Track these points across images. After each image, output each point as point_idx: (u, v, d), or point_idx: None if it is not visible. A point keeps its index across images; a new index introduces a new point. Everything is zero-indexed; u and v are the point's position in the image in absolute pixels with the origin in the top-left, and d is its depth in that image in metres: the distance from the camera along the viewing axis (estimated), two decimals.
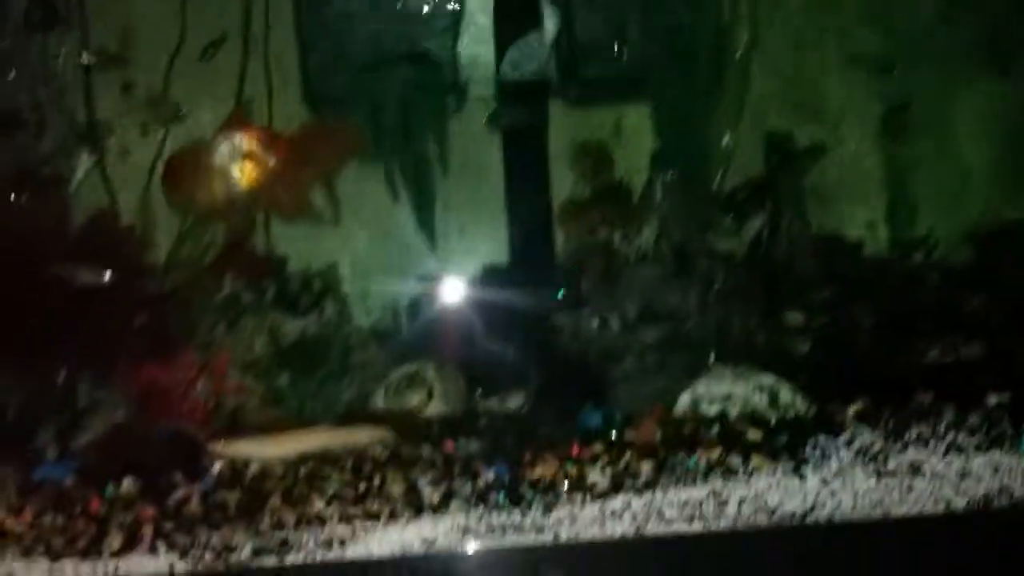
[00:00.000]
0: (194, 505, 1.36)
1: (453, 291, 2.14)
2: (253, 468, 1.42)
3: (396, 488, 1.37)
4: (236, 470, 1.43)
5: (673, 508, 1.37)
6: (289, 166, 1.76)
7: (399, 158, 2.22)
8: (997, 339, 1.60)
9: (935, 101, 2.19)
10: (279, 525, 1.33)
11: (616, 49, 2.07)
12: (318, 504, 1.36)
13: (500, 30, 2.22)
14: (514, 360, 1.81)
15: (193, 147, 1.91)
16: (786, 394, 1.47)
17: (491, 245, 2.29)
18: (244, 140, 1.76)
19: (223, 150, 1.76)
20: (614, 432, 1.44)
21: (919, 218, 2.10)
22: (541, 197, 2.22)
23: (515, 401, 1.66)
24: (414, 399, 1.83)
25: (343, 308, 2.12)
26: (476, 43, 2.29)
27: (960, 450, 1.40)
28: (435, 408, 1.83)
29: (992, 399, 1.43)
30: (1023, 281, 1.78)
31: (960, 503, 1.39)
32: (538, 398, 1.60)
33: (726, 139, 2.21)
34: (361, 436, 1.45)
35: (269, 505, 1.36)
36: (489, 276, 2.15)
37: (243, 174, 1.75)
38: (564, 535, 1.35)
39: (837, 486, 1.39)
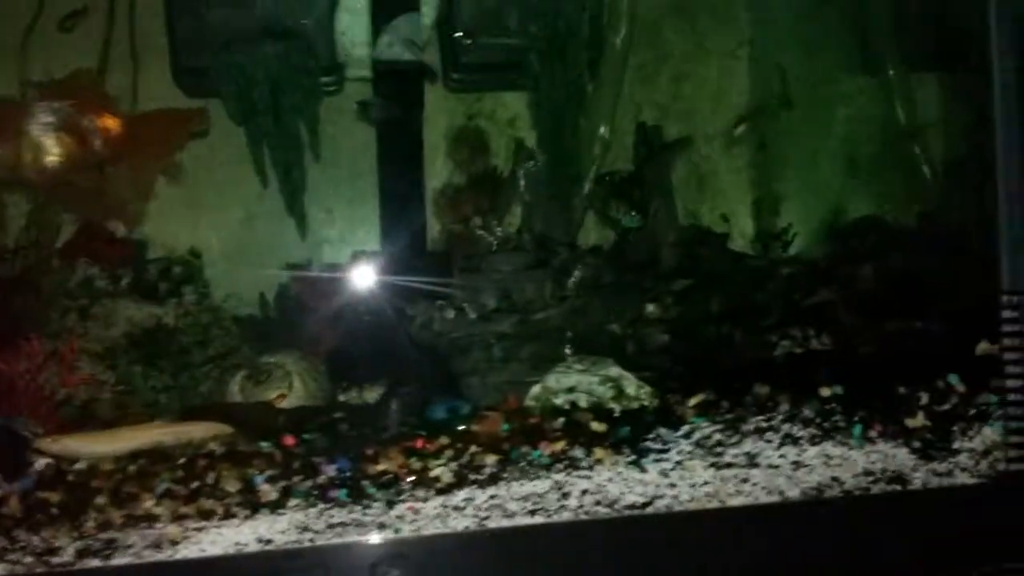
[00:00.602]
0: (13, 506, 1.30)
1: (321, 279, 2.10)
2: (80, 466, 1.36)
3: (231, 485, 1.33)
4: (61, 468, 1.36)
5: (516, 501, 1.38)
6: (122, 147, 1.67)
7: (269, 141, 2.15)
8: (836, 332, 1.65)
9: (802, 98, 2.24)
10: (105, 525, 1.28)
11: (466, 39, 2.04)
12: (148, 503, 1.31)
13: (377, 10, 2.18)
14: (374, 351, 1.79)
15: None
16: (631, 386, 1.48)
17: (363, 232, 2.26)
18: (64, 111, 1.65)
19: (40, 116, 1.65)
20: (460, 425, 1.43)
21: (781, 212, 2.15)
22: (415, 184, 2.20)
23: (374, 394, 1.63)
24: (273, 391, 1.79)
25: (205, 296, 2.05)
26: (354, 22, 2.24)
27: (795, 441, 1.45)
28: (295, 400, 1.80)
29: (825, 391, 1.47)
30: (871, 274, 1.84)
31: (794, 493, 1.44)
32: (387, 390, 1.58)
33: (601, 130, 2.23)
34: (196, 432, 1.40)
35: (95, 504, 1.31)
36: (359, 264, 2.12)
37: (56, 146, 1.65)
38: (406, 530, 1.34)
39: (676, 477, 1.41)
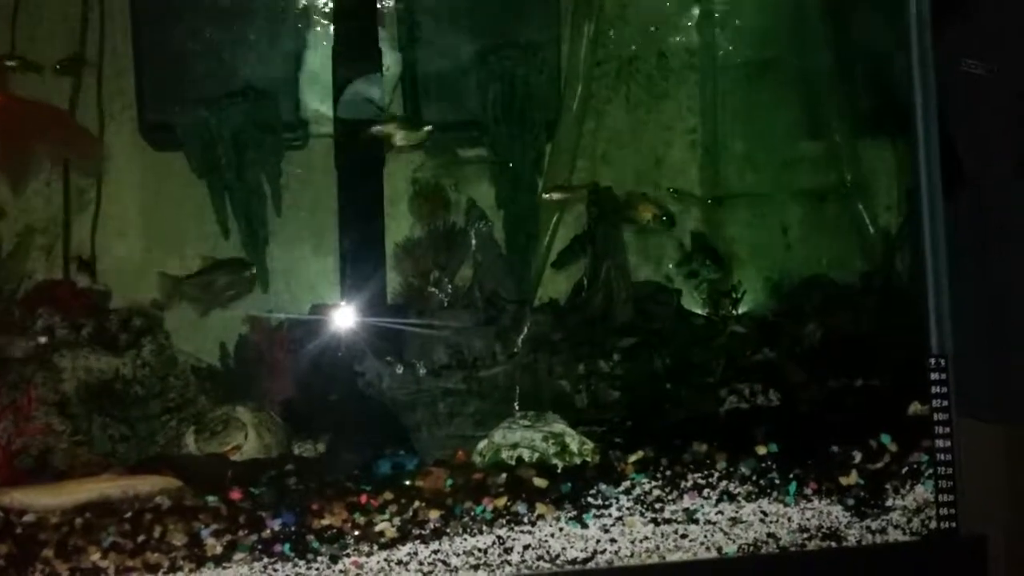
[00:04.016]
0: None
1: (281, 331, 2.13)
2: (28, 518, 1.37)
3: (177, 539, 1.35)
4: (10, 520, 1.37)
5: (459, 556, 1.40)
6: None
7: (232, 194, 2.20)
8: (779, 389, 1.71)
9: (752, 164, 2.33)
10: None
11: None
12: (94, 556, 1.32)
13: (339, 70, 2.24)
14: (327, 405, 1.82)
15: None
16: (574, 442, 1.52)
17: (323, 285, 2.29)
18: None
19: None
20: (405, 480, 1.46)
21: (731, 271, 2.22)
22: (375, 238, 2.24)
23: (324, 447, 1.66)
24: (229, 442, 1.81)
25: (164, 346, 2.07)
26: (317, 81, 2.31)
27: (732, 498, 1.49)
28: (251, 452, 1.81)
29: (762, 449, 1.52)
30: (814, 332, 1.90)
31: (731, 549, 1.48)
32: (335, 445, 1.60)
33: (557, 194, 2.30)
34: (143, 485, 1.42)
35: (42, 557, 1.32)
36: (319, 316, 2.15)
37: None
38: None
39: (616, 533, 1.45)
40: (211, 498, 1.41)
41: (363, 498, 1.41)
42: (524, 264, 2.11)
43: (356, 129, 2.19)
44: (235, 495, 1.42)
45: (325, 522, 1.39)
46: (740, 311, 2.06)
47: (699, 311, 2.10)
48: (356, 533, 1.38)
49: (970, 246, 2.00)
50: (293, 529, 1.39)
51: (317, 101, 2.32)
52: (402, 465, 1.50)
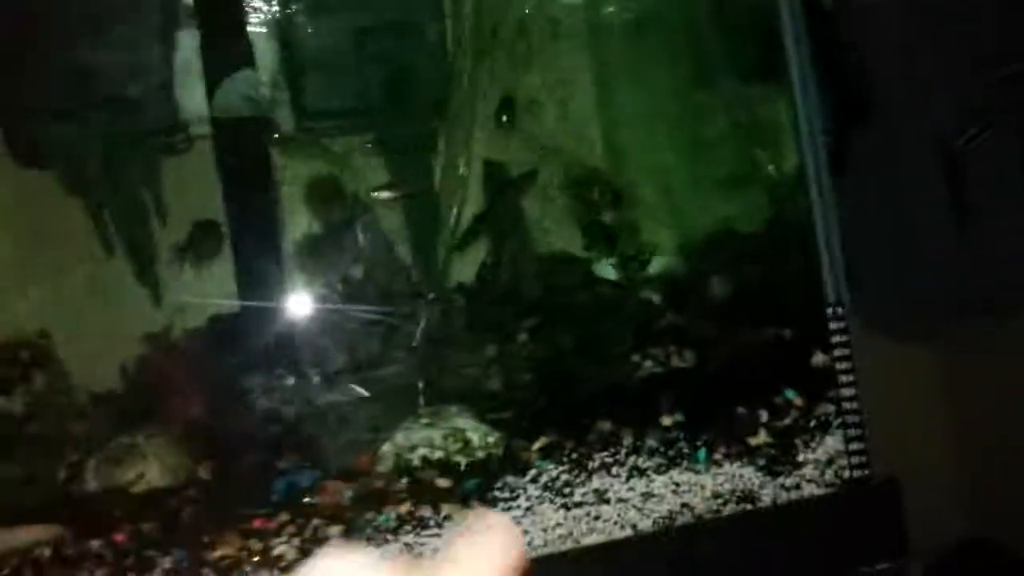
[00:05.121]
0: None
1: (179, 348, 2.04)
2: None
3: None
4: None
5: None
6: None
7: (110, 209, 2.09)
8: (680, 356, 1.68)
9: (650, 118, 2.28)
10: None
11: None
12: None
13: (211, 68, 2.13)
14: (226, 423, 1.74)
15: None
16: (476, 435, 1.47)
17: (221, 295, 2.20)
18: None
19: None
20: (303, 497, 1.40)
21: (637, 234, 2.17)
22: (270, 239, 2.16)
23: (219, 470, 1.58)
24: (129, 474, 1.73)
25: (57, 378, 1.97)
26: (190, 82, 2.19)
27: (642, 473, 1.46)
28: (155, 481, 1.73)
29: (667, 420, 1.49)
30: (717, 290, 1.87)
31: (646, 525, 1.45)
32: (230, 466, 1.54)
33: (461, 169, 2.22)
34: (19, 536, 1.34)
35: None
36: (218, 329, 2.06)
37: None
38: None
39: (528, 523, 1.41)
40: (95, 542, 1.33)
41: (257, 522, 1.35)
42: (426, 252, 2.04)
43: (235, 126, 2.10)
44: (118, 538, 1.34)
45: (219, 553, 1.33)
46: (648, 274, 2.02)
47: (609, 278, 2.05)
48: (255, 560, 1.32)
49: (876, 175, 1.99)
50: (186, 565, 1.32)
51: (194, 101, 2.21)
52: (296, 482, 1.44)
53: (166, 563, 1.31)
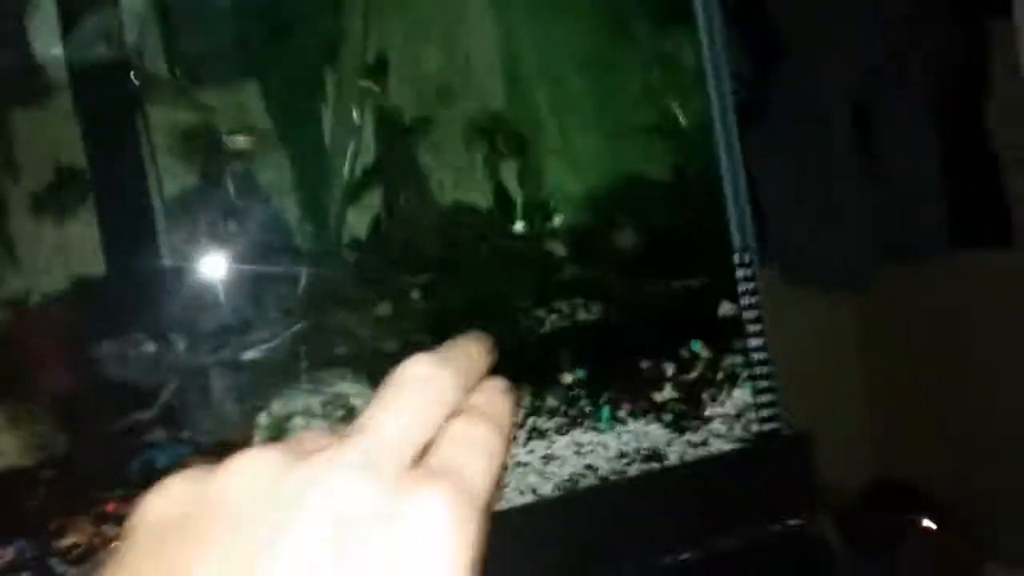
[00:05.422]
0: None
1: (40, 314, 1.85)
2: None
3: None
4: None
5: None
6: None
7: None
8: (585, 309, 1.58)
9: (555, 54, 2.16)
10: None
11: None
12: None
13: (65, 3, 1.92)
14: (90, 392, 1.57)
15: None
16: (362, 401, 1.35)
17: (84, 254, 2.00)
18: None
19: None
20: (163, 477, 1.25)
21: (544, 181, 2.07)
22: (138, 193, 1.97)
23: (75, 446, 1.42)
24: None
25: None
26: (44, 20, 1.97)
27: (542, 434, 1.36)
28: (9, 459, 1.56)
29: (568, 377, 1.39)
30: (624, 239, 1.78)
31: (547, 488, 1.35)
32: (86, 442, 1.38)
33: (354, 116, 2.07)
34: None
35: None
36: (83, 291, 1.87)
37: None
38: None
39: None
40: None
41: (110, 506, 1.20)
42: (316, 205, 1.89)
43: (95, 72, 1.89)
44: None
45: (69, 542, 1.18)
46: (553, 225, 1.92)
47: (513, 229, 1.94)
48: (108, 548, 1.18)
49: (786, 124, 1.93)
50: (31, 555, 1.16)
51: (49, 45, 1.99)
52: (153, 460, 1.29)
53: (9, 554, 1.15)
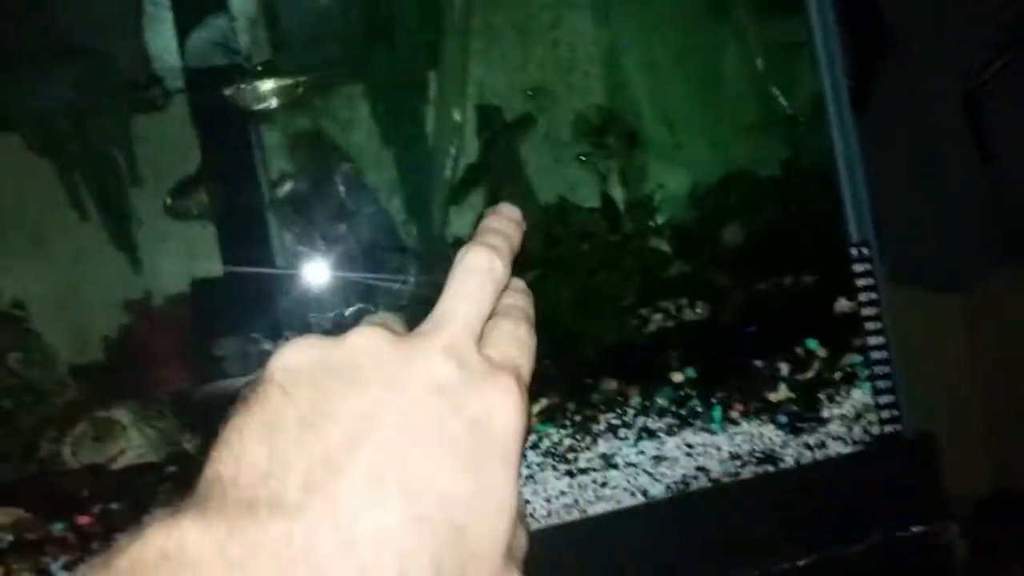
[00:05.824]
0: None
1: (163, 315, 1.93)
2: None
3: None
4: None
5: None
6: None
7: (80, 171, 1.97)
8: (693, 308, 1.54)
9: (654, 56, 2.12)
10: None
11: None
12: None
13: (180, 14, 2.00)
14: (216, 391, 1.63)
15: None
16: None
17: (204, 258, 2.08)
18: None
19: None
20: None
21: (647, 178, 2.03)
22: (254, 198, 2.03)
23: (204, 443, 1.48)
24: (111, 449, 1.63)
25: (33, 352, 1.87)
26: (160, 30, 2.06)
27: (652, 435, 1.34)
28: (137, 456, 1.64)
29: (678, 377, 1.37)
30: (733, 236, 1.73)
31: (658, 490, 1.33)
32: (202, 440, 1.43)
33: (455, 116, 2.08)
34: None
35: None
36: (203, 293, 1.95)
37: None
38: None
39: (529, 493, 1.30)
40: (57, 526, 1.23)
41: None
42: (420, 205, 1.91)
43: (209, 79, 1.97)
44: (83, 520, 1.24)
45: None
46: (658, 222, 1.88)
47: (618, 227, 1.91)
48: None
49: (899, 116, 1.86)
50: None
51: (166, 53, 2.08)
52: None
53: None
